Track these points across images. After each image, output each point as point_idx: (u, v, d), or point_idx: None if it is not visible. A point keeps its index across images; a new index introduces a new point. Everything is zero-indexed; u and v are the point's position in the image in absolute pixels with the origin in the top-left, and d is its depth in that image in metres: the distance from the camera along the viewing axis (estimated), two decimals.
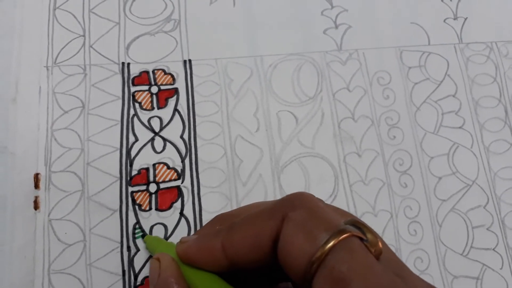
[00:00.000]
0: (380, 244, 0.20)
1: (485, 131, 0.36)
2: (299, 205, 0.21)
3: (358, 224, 0.20)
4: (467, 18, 0.39)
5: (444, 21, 0.39)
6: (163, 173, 0.33)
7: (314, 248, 0.19)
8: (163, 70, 0.35)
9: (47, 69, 0.34)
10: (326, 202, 0.33)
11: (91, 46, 0.35)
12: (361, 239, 0.19)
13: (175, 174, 0.33)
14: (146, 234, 0.31)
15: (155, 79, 0.35)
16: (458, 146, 0.36)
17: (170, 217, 0.32)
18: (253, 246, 0.21)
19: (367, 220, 0.33)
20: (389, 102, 0.36)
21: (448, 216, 0.34)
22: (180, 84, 0.35)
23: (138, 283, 0.30)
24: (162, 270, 0.24)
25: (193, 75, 0.35)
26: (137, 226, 0.32)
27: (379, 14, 0.38)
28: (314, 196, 0.22)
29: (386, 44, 0.37)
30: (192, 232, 0.32)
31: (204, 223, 0.32)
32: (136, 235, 0.31)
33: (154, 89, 0.35)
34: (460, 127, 0.36)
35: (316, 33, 0.37)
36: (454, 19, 0.39)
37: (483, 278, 0.33)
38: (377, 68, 0.37)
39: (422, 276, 0.32)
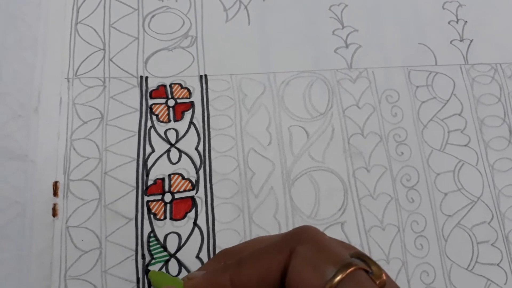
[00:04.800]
0: (384, 276, 0.20)
1: (490, 149, 0.37)
2: (306, 239, 0.21)
3: (363, 257, 0.21)
4: (472, 40, 0.41)
5: (451, 42, 0.40)
6: (178, 184, 0.34)
7: (323, 281, 0.19)
8: (180, 85, 0.36)
9: (68, 81, 0.35)
10: (335, 215, 0.35)
11: (110, 60, 0.36)
12: (366, 271, 0.20)
13: (190, 184, 0.34)
14: (150, 270, 0.32)
15: (172, 93, 0.36)
16: (463, 164, 0.37)
17: (184, 226, 0.33)
18: (262, 280, 0.21)
19: (375, 234, 0.34)
20: (397, 120, 0.37)
21: (453, 231, 0.35)
22: (196, 98, 0.36)
23: None
24: None
25: (209, 90, 0.36)
26: (151, 234, 0.32)
27: (388, 35, 0.40)
28: (319, 230, 0.23)
29: (395, 64, 0.39)
30: (205, 242, 0.33)
31: (217, 233, 0.33)
32: (151, 244, 0.32)
33: (171, 103, 0.36)
34: (465, 145, 0.37)
35: (327, 52, 0.39)
36: (460, 40, 0.40)
37: None
38: (386, 86, 0.38)
39: None
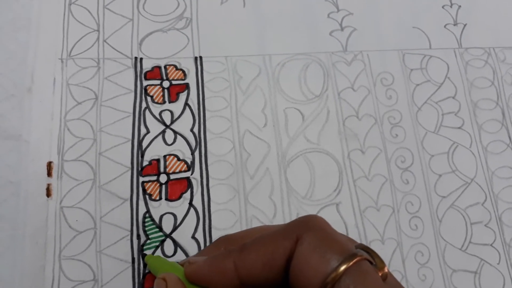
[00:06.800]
0: (386, 268, 0.21)
1: (483, 131, 0.38)
2: (313, 227, 0.22)
3: (366, 249, 0.21)
4: (466, 24, 0.41)
5: (445, 26, 0.41)
6: (173, 165, 0.34)
7: (328, 269, 0.20)
8: (175, 66, 0.36)
9: (62, 62, 0.35)
10: (330, 196, 0.35)
11: (105, 41, 0.36)
12: (370, 262, 0.21)
13: (185, 165, 0.34)
14: (146, 254, 0.31)
15: (167, 74, 0.36)
16: (457, 146, 0.37)
17: (180, 207, 0.33)
18: (267, 266, 0.22)
19: (370, 215, 0.34)
20: (392, 102, 0.38)
21: (447, 212, 0.35)
22: (191, 80, 0.36)
23: (147, 271, 0.31)
24: None
25: (204, 72, 0.36)
26: (147, 215, 0.32)
27: (383, 18, 0.40)
28: (325, 220, 0.23)
29: (389, 47, 0.39)
30: (201, 223, 0.33)
31: (212, 214, 0.33)
32: (146, 224, 0.32)
33: (166, 84, 0.36)
34: (459, 128, 0.38)
35: (322, 35, 0.39)
36: (454, 24, 0.41)
37: (481, 272, 0.34)
38: (381, 69, 0.38)
39: (423, 270, 0.34)
